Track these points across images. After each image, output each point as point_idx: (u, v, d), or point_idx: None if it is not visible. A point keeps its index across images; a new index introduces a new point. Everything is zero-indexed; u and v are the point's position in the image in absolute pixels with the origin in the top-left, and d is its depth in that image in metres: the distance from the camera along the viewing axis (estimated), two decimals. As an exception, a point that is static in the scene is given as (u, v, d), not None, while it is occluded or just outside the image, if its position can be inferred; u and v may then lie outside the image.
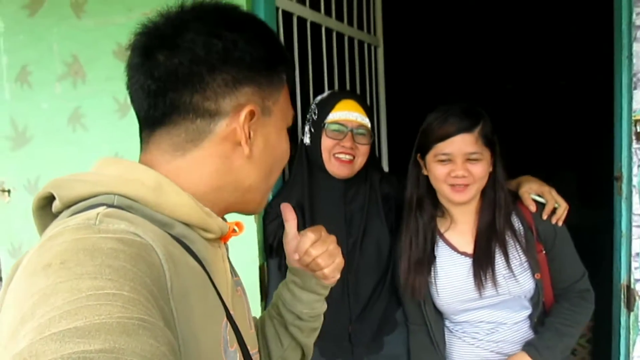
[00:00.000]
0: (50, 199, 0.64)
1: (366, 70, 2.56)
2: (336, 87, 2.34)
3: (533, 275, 1.50)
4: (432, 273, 1.56)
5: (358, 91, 2.49)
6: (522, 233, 1.52)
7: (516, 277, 1.48)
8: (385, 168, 2.74)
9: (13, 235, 2.00)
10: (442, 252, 1.58)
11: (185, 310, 0.58)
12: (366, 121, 1.61)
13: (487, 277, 1.48)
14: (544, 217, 1.51)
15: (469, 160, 1.43)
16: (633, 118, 1.54)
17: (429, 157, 1.48)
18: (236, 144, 0.70)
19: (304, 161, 1.68)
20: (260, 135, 0.72)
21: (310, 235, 0.93)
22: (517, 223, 1.53)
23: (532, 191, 1.55)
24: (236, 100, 0.69)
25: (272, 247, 1.67)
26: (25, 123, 1.93)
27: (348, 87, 2.41)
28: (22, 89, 1.92)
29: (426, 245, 1.56)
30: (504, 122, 4.61)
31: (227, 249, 0.82)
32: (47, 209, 0.65)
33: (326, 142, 1.60)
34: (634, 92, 1.54)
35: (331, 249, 0.94)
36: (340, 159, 1.59)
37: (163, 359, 0.45)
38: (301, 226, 1.62)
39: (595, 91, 3.46)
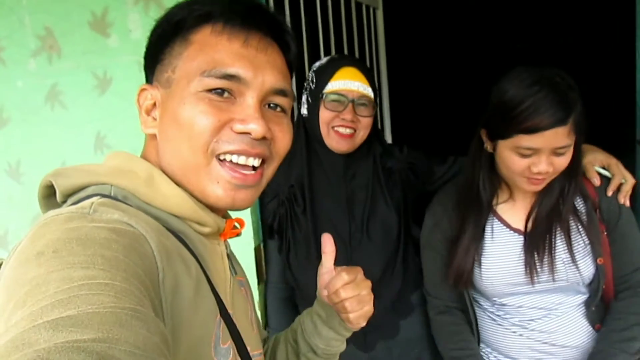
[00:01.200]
0: (54, 188, 0.65)
1: (365, 35, 2.42)
2: (333, 53, 2.21)
3: (595, 259, 1.30)
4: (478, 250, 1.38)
5: (357, 57, 2.34)
6: (584, 211, 1.32)
7: (577, 263, 1.29)
8: (388, 140, 2.61)
9: (-2, 223, 1.91)
10: (491, 227, 1.38)
11: (175, 302, 0.58)
12: (368, 91, 1.46)
13: (544, 261, 1.28)
14: (609, 193, 1.32)
15: (555, 153, 1.19)
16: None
17: (505, 143, 1.23)
18: None
19: (301, 134, 1.55)
20: (164, 110, 0.69)
21: (344, 276, 0.88)
22: (579, 200, 1.33)
23: (597, 163, 1.37)
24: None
25: (271, 228, 1.57)
26: (1, 103, 1.81)
27: (346, 53, 2.27)
28: (-5, 67, 1.80)
29: (477, 229, 1.36)
30: None
31: (227, 247, 0.79)
32: (52, 198, 0.66)
33: (325, 114, 1.46)
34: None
35: (363, 294, 0.89)
36: (340, 133, 1.45)
37: (156, 349, 0.44)
38: (301, 206, 1.54)
39: (613, 52, 3.29)
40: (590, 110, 1.24)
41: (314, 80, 1.49)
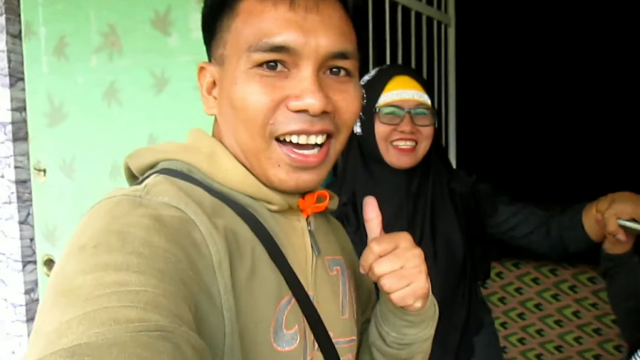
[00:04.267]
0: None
1: (435, 52, 2.30)
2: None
3: None
4: None
5: (425, 76, 2.22)
6: None
7: None
8: (453, 164, 2.46)
9: (48, 218, 1.89)
10: None
11: (230, 284, 0.56)
12: (425, 98, 1.35)
13: None
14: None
15: None
16: None
17: None
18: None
19: (357, 153, 1.45)
20: (221, 89, 0.67)
21: (373, 247, 0.70)
22: None
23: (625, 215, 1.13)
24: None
25: None
26: (62, 99, 1.81)
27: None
28: (59, 62, 1.80)
29: None
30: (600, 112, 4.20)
31: (310, 223, 0.72)
32: (137, 178, 0.68)
33: (381, 129, 1.35)
34: None
35: (408, 267, 0.70)
36: (399, 148, 1.34)
37: None
38: (354, 226, 1.39)
39: None
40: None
41: (365, 95, 1.39)
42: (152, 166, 0.66)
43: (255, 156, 0.65)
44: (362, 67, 1.92)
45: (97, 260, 0.48)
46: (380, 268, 0.69)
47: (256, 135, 0.63)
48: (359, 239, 1.42)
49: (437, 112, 1.40)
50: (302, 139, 0.63)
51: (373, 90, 1.37)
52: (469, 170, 1.52)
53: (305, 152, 0.64)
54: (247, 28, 0.62)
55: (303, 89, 0.61)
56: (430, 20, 2.25)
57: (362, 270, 0.73)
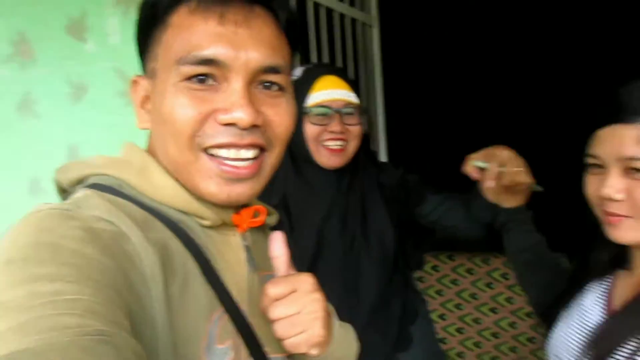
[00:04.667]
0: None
1: (360, 53, 2.33)
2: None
3: None
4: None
5: (352, 76, 2.25)
6: None
7: None
8: (383, 160, 2.50)
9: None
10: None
11: (163, 298, 0.55)
12: (353, 97, 1.36)
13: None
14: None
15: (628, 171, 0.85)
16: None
17: None
18: None
19: (286, 154, 1.44)
20: (152, 103, 0.65)
21: (269, 290, 0.65)
22: None
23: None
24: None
25: None
26: (-29, 113, 1.70)
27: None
28: (-35, 74, 1.69)
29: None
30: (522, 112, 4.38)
31: (246, 239, 0.71)
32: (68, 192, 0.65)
33: (310, 130, 1.35)
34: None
35: (305, 313, 0.65)
36: (330, 148, 1.34)
37: None
38: (287, 228, 1.39)
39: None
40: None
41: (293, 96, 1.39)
42: (81, 180, 0.64)
43: (186, 169, 0.63)
44: None
45: (28, 272, 0.46)
46: (275, 313, 0.64)
47: (184, 148, 0.62)
48: (293, 242, 1.42)
49: (365, 110, 1.41)
50: (232, 153, 0.62)
51: (300, 90, 1.35)
52: (397, 164, 1.55)
53: (236, 163, 0.63)
54: (177, 41, 0.61)
55: (232, 102, 0.60)
56: (354, 21, 2.28)
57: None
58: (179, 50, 0.60)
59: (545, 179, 1.26)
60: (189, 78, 0.60)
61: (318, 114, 1.33)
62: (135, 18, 0.67)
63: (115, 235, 0.54)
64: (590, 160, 0.89)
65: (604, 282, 0.97)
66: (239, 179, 0.63)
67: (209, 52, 0.59)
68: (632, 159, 0.81)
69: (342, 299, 1.40)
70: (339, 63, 2.17)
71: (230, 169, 0.62)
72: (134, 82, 0.68)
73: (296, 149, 1.39)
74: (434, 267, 2.70)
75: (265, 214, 0.73)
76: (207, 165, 0.62)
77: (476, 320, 2.68)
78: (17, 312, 0.42)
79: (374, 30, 2.47)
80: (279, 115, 0.65)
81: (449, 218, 1.45)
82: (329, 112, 1.33)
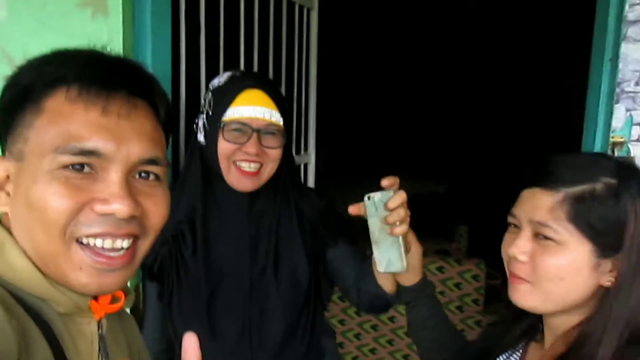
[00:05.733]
0: None
1: (295, 38, 2.15)
2: (256, 59, 1.93)
3: None
4: None
5: (284, 64, 2.08)
6: None
7: None
8: (312, 155, 2.37)
9: None
10: None
11: None
12: (277, 117, 1.22)
13: None
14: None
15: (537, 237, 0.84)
16: (611, 140, 1.22)
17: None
18: None
19: (198, 164, 1.29)
20: (17, 186, 0.62)
21: None
22: None
23: None
24: None
25: (151, 270, 1.30)
26: None
27: (271, 60, 1.99)
28: None
29: None
30: (452, 111, 4.43)
31: (101, 327, 0.69)
32: None
33: (224, 146, 1.21)
34: (615, 106, 1.21)
35: None
36: (242, 170, 1.21)
37: None
38: (190, 248, 1.27)
39: (563, 100, 3.21)
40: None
41: (212, 104, 1.23)
42: None
43: (54, 260, 0.61)
44: (212, 60, 1.73)
45: None
46: None
47: (55, 238, 0.60)
48: (195, 262, 1.29)
49: (286, 132, 1.26)
50: (108, 243, 0.62)
51: (221, 100, 1.22)
52: (324, 191, 1.43)
53: (111, 254, 0.62)
54: (54, 128, 0.60)
55: (111, 193, 0.60)
56: (291, 4, 2.08)
57: None
58: (56, 138, 0.59)
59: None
60: (66, 166, 0.59)
61: (234, 130, 1.20)
62: (0, 93, 0.64)
63: None
64: (510, 219, 0.90)
65: (514, 354, 0.95)
66: (112, 269, 0.63)
67: (90, 144, 0.59)
68: (540, 223, 0.82)
69: (242, 337, 1.29)
70: (271, 48, 1.98)
71: (104, 260, 0.62)
72: None
73: (209, 161, 1.26)
74: (342, 297, 2.71)
75: (123, 300, 0.71)
76: (79, 256, 0.61)
77: (372, 351, 2.83)
78: None
79: (313, 13, 2.28)
80: (155, 205, 0.65)
81: (339, 280, 1.35)
82: (247, 129, 1.19)
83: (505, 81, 4.07)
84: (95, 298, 0.68)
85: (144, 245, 0.67)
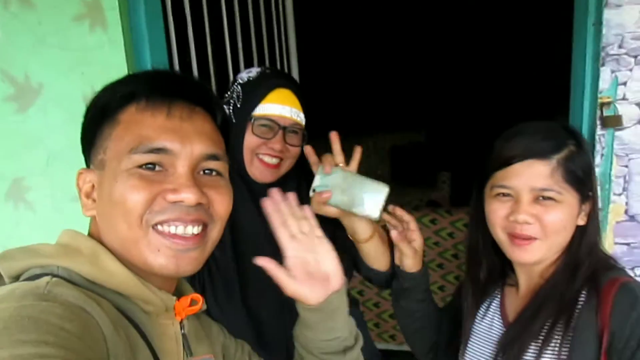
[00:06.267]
0: None
1: (274, 23, 2.16)
2: (240, 45, 1.94)
3: None
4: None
5: (265, 48, 2.09)
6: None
7: None
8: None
9: None
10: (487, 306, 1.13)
11: None
12: (301, 117, 1.29)
13: None
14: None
15: (537, 199, 0.96)
16: (599, 100, 1.32)
17: (487, 190, 1.03)
18: None
19: None
20: (100, 191, 0.70)
21: None
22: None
23: None
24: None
25: None
26: None
27: (254, 45, 2.01)
28: None
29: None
30: (433, 82, 4.40)
31: (184, 327, 0.76)
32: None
33: (251, 140, 1.26)
34: (601, 69, 1.30)
35: None
36: (265, 162, 1.27)
37: None
38: (220, 244, 1.34)
39: (548, 66, 3.22)
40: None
41: (240, 97, 1.27)
42: (26, 269, 0.66)
43: (135, 245, 0.68)
44: (198, 43, 1.74)
45: (10, 338, 0.49)
46: None
47: (134, 225, 0.67)
48: (225, 257, 1.34)
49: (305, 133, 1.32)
50: (180, 229, 0.68)
51: (252, 95, 1.26)
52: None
53: (184, 236, 0.69)
54: (128, 134, 0.68)
55: (180, 183, 0.67)
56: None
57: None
58: (131, 142, 0.67)
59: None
60: (140, 166, 0.67)
61: (262, 126, 1.25)
62: (83, 117, 0.72)
63: (89, 322, 0.58)
64: (499, 190, 0.99)
65: (494, 300, 1.11)
66: (187, 249, 0.69)
67: (158, 142, 0.67)
68: (543, 189, 0.94)
69: (279, 318, 1.37)
70: (253, 37, 2.00)
71: (180, 240, 0.68)
72: (80, 174, 0.73)
73: (231, 153, 1.30)
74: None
75: (201, 302, 0.78)
76: (157, 240, 0.68)
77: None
78: None
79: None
80: (220, 195, 0.73)
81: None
82: (274, 126, 1.25)
83: (489, 37, 4.09)
84: (177, 298, 0.75)
85: (213, 232, 0.74)
